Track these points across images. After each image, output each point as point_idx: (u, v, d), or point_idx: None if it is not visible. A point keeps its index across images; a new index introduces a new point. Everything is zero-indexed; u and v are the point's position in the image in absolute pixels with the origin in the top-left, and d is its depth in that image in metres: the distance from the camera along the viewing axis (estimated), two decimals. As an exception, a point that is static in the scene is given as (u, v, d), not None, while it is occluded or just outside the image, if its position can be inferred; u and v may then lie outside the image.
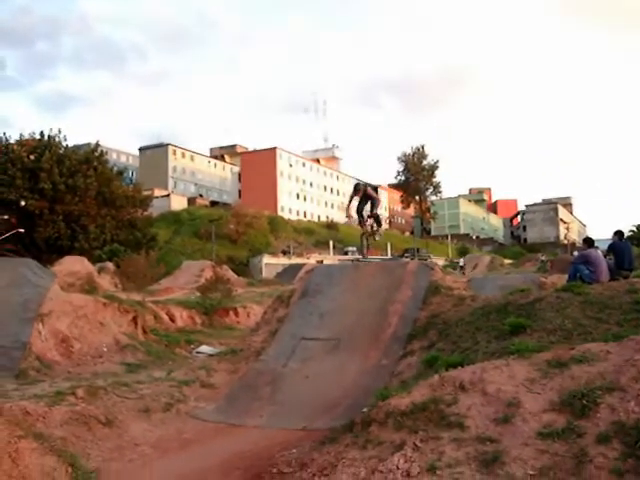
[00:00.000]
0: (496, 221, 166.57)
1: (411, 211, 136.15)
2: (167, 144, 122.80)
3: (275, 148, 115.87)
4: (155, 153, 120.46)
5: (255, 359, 13.82)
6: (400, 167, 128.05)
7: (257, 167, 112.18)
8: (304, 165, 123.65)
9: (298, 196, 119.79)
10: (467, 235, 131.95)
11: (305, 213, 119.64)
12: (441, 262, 70.27)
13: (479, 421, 6.33)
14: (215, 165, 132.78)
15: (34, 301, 17.05)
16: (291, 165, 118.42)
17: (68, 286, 27.75)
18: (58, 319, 17.11)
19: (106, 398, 11.05)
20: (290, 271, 62.38)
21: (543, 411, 6.13)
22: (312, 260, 73.05)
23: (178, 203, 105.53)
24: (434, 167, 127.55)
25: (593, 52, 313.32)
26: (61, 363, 16.05)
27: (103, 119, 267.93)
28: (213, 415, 11.32)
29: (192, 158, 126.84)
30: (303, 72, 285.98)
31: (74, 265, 42.38)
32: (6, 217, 53.99)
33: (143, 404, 11.07)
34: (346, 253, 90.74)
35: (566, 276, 15.04)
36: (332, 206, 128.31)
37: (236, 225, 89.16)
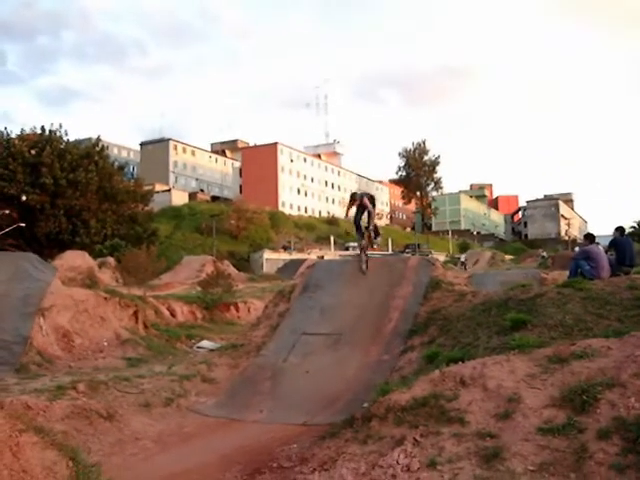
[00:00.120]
0: (497, 217, 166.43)
1: (412, 206, 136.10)
2: (168, 139, 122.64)
3: (276, 143, 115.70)
4: (156, 148, 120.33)
5: (256, 354, 13.83)
6: (401, 162, 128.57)
7: (258, 162, 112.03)
8: (305, 160, 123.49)
9: (299, 191, 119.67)
10: (468, 231, 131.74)
11: (306, 208, 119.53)
12: (442, 258, 70.20)
13: (479, 416, 6.34)
14: (216, 160, 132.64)
15: (35, 295, 17.08)
16: (292, 160, 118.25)
17: (69, 281, 27.78)
18: (59, 313, 17.14)
19: (107, 392, 11.08)
20: (291, 266, 62.35)
21: (543, 407, 6.13)
22: (313, 255, 73.03)
23: (179, 198, 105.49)
24: (435, 163, 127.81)
25: (595, 49, 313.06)
26: (62, 357, 16.08)
27: (104, 114, 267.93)
28: (214, 410, 11.33)
29: (193, 153, 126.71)
30: (304, 67, 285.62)
31: (75, 260, 42.39)
32: (7, 212, 53.94)
33: (144, 398, 11.08)
34: (347, 249, 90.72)
35: (567, 272, 15.03)
36: (333, 201, 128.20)
37: (237, 220, 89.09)
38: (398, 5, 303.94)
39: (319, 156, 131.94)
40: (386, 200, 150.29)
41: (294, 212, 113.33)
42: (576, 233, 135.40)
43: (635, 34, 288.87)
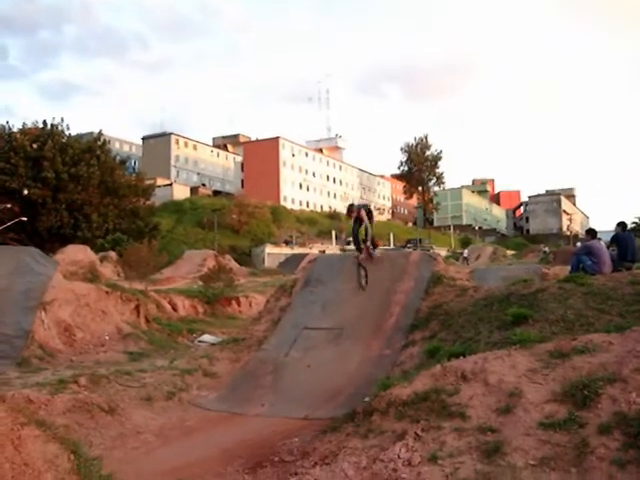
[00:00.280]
0: (499, 212, 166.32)
1: (414, 201, 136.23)
2: (170, 133, 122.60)
3: (278, 138, 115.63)
4: (158, 142, 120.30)
5: (257, 348, 13.84)
6: (403, 157, 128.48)
7: (260, 157, 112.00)
8: (307, 155, 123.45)
9: (301, 186, 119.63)
10: (470, 226, 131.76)
11: (308, 203, 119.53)
12: (443, 253, 70.22)
13: (481, 411, 6.34)
14: (218, 154, 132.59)
15: (37, 289, 17.09)
16: (294, 155, 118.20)
17: (71, 275, 27.79)
18: (60, 307, 17.15)
19: (109, 386, 11.09)
20: (292, 261, 62.41)
21: (545, 401, 6.13)
22: (314, 250, 73.09)
23: (181, 192, 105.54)
24: (437, 157, 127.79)
25: (596, 44, 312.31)
26: (63, 351, 16.09)
27: (106, 108, 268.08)
28: (215, 404, 11.34)
29: (195, 147, 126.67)
30: (306, 61, 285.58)
31: (77, 254, 42.42)
32: (9, 206, 53.95)
33: (145, 392, 11.10)
34: (348, 243, 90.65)
35: (569, 267, 15.02)
36: (335, 196, 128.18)
37: (238, 215, 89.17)
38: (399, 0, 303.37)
39: (321, 151, 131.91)
40: (388, 195, 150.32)
41: (296, 207, 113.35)
42: (578, 228, 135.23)
43: (637, 31, 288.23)
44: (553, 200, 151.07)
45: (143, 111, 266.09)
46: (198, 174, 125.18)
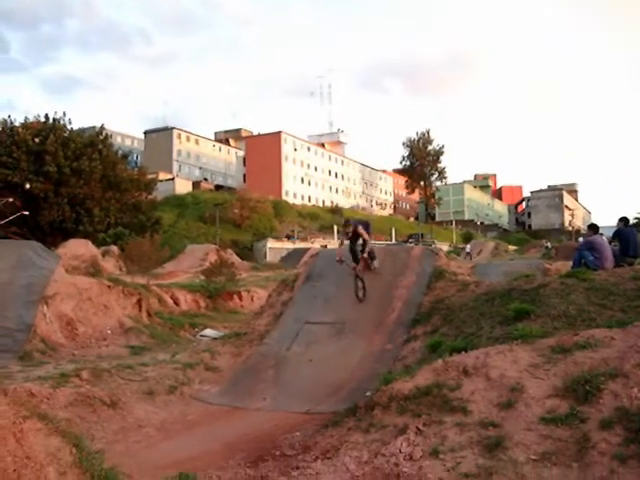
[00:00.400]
0: (501, 207, 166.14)
1: (416, 196, 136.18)
2: (172, 128, 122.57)
3: (280, 132, 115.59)
4: (160, 137, 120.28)
5: (259, 342, 13.84)
6: (405, 152, 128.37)
7: (262, 151, 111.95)
8: (309, 149, 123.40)
9: (303, 180, 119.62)
10: (471, 221, 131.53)
11: (310, 197, 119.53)
12: (445, 248, 70.10)
13: (482, 406, 6.35)
14: (220, 149, 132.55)
15: (39, 283, 17.10)
16: (296, 149, 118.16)
17: (73, 269, 27.79)
18: (62, 302, 17.17)
19: (110, 380, 11.10)
20: (294, 255, 62.46)
21: (546, 396, 6.14)
22: (316, 245, 73.06)
23: (183, 187, 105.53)
24: (439, 152, 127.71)
25: (599, 39, 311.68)
26: (65, 345, 16.12)
27: (108, 102, 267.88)
28: (217, 398, 11.36)
29: (197, 142, 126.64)
30: (308, 56, 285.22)
31: (78, 248, 42.47)
32: (11, 200, 54.02)
33: (147, 386, 11.11)
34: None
35: (570, 263, 15.00)
36: (337, 191, 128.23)
37: (240, 209, 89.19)
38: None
39: (323, 145, 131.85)
40: (390, 190, 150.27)
41: (298, 201, 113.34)
42: (580, 224, 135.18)
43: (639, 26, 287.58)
44: (555, 195, 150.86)
45: (145, 105, 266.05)
46: (200, 168, 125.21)
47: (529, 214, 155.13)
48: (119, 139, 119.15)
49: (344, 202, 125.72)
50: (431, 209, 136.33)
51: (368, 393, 8.11)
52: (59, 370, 11.77)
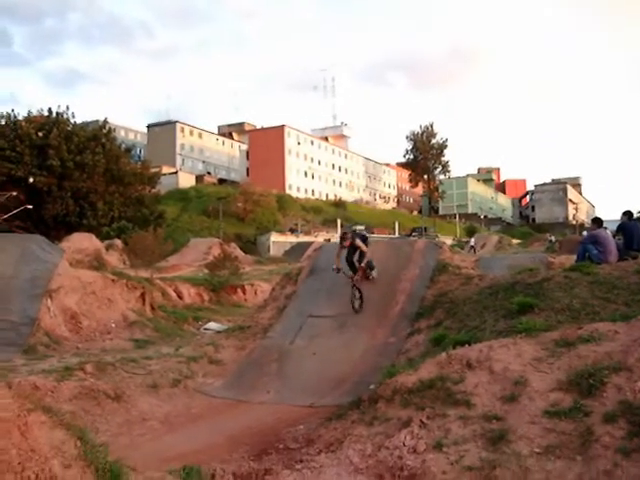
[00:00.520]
0: (504, 201, 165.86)
1: (419, 190, 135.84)
2: (175, 121, 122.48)
3: (283, 126, 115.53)
4: (163, 130, 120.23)
5: (263, 336, 13.86)
6: (409, 145, 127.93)
7: (265, 145, 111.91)
8: (312, 143, 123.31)
9: (306, 174, 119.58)
10: (475, 215, 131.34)
11: (313, 191, 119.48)
12: (449, 241, 70.05)
13: (486, 399, 6.35)
14: (223, 143, 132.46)
15: (43, 277, 17.13)
16: (299, 143, 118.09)
17: (76, 263, 27.82)
18: (67, 295, 17.20)
19: (114, 373, 11.13)
20: (298, 249, 62.45)
21: (550, 390, 6.14)
22: (320, 238, 73.02)
23: (186, 180, 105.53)
24: (443, 146, 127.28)
25: (603, 32, 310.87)
26: (70, 339, 16.16)
27: (111, 96, 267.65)
28: (221, 391, 11.38)
29: (200, 136, 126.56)
30: (311, 49, 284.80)
31: (82, 242, 42.53)
32: (14, 194, 54.00)
33: (151, 380, 11.13)
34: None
35: (574, 257, 14.98)
36: (340, 184, 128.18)
37: (244, 203, 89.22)
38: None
39: (326, 139, 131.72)
40: (393, 183, 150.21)
41: (301, 195, 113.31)
42: (584, 217, 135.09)
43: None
44: (559, 189, 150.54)
45: (148, 99, 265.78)
46: (203, 162, 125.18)
47: (533, 208, 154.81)
48: (122, 133, 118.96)
49: (347, 196, 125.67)
50: (434, 203, 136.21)
51: (372, 386, 8.11)
52: (63, 363, 11.80)
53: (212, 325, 20.48)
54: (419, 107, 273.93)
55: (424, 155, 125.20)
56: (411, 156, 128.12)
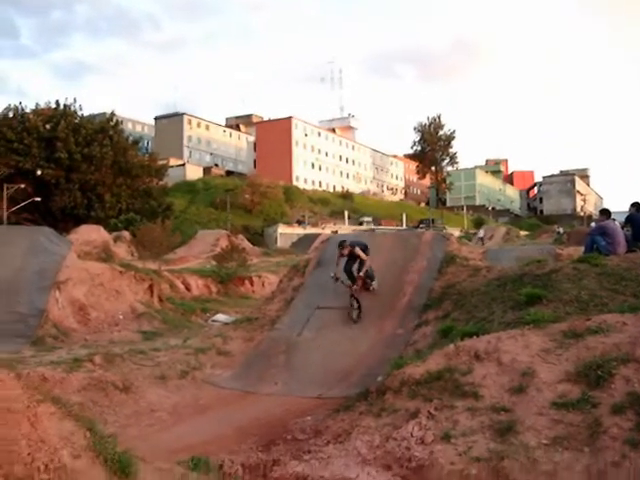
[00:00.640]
0: (512, 192, 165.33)
1: (427, 181, 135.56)
2: (182, 113, 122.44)
3: (291, 117, 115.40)
4: (170, 122, 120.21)
5: (270, 328, 13.88)
6: (416, 137, 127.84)
7: (272, 137, 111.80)
8: (319, 135, 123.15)
9: (313, 166, 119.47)
10: (483, 206, 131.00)
11: (320, 183, 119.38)
12: (456, 233, 69.90)
13: (494, 390, 6.36)
14: (230, 135, 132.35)
15: (51, 269, 17.19)
16: (306, 135, 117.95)
17: (84, 254, 27.89)
18: (75, 287, 17.25)
19: (123, 365, 11.17)
20: (305, 241, 62.49)
21: (558, 381, 6.14)
22: (327, 230, 73.05)
23: (193, 172, 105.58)
24: (450, 137, 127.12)
25: (611, 22, 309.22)
26: (78, 330, 16.21)
27: (118, 88, 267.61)
28: (229, 382, 11.40)
29: (207, 127, 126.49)
30: (319, 41, 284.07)
31: (90, 234, 42.67)
32: (22, 186, 54.20)
33: (159, 371, 11.17)
34: (361, 223, 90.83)
35: (582, 248, 14.93)
36: (347, 176, 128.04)
37: (251, 195, 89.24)
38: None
39: (333, 130, 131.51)
40: (401, 175, 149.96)
41: (308, 186, 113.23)
42: (592, 209, 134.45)
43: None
44: (567, 180, 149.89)
45: (156, 91, 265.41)
46: (211, 154, 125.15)
47: (541, 199, 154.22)
48: (130, 125, 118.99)
49: (355, 187, 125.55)
50: (442, 194, 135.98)
51: (379, 378, 8.12)
52: (72, 355, 11.85)
53: (220, 317, 20.51)
54: (426, 99, 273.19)
55: (432, 147, 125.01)
56: (418, 148, 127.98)
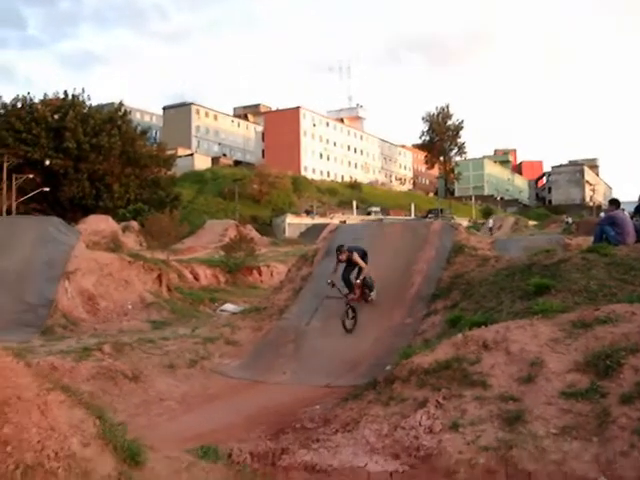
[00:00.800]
0: (521, 182, 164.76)
1: (435, 172, 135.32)
2: (190, 103, 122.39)
3: (299, 107, 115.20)
4: (179, 112, 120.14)
5: (279, 317, 13.90)
6: (425, 127, 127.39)
7: (280, 126, 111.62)
8: (328, 125, 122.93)
9: (321, 156, 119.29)
10: (491, 196, 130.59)
11: (328, 173, 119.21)
12: (465, 223, 69.75)
13: (502, 380, 6.35)
14: (238, 124, 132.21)
15: (60, 259, 17.25)
16: (315, 125, 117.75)
17: (93, 244, 28.04)
18: (84, 277, 17.31)
19: (132, 354, 11.22)
20: (313, 231, 62.55)
21: (567, 371, 6.13)
22: (335, 220, 72.99)
23: (202, 162, 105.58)
24: (459, 127, 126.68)
25: (620, 10, 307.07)
26: (87, 320, 16.28)
27: (126, 78, 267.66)
28: (237, 371, 11.44)
29: (215, 117, 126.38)
30: (327, 31, 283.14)
31: (99, 224, 42.80)
32: (31, 176, 54.29)
33: (168, 360, 11.21)
34: (369, 213, 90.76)
35: (591, 238, 14.88)
36: (355, 166, 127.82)
37: (259, 185, 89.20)
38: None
39: (342, 120, 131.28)
40: (409, 165, 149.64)
41: (316, 176, 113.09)
42: (601, 199, 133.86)
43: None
44: (576, 170, 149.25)
45: (163, 81, 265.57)
46: (219, 144, 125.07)
47: (549, 189, 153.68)
48: (138, 115, 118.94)
49: (363, 177, 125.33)
50: (450, 184, 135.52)
51: (388, 367, 8.13)
52: (81, 344, 11.90)
53: (228, 306, 20.56)
54: (435, 88, 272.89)
55: (440, 137, 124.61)
56: (427, 138, 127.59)
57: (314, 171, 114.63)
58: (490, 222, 71.83)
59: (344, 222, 62.79)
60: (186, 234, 43.65)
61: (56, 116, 64.11)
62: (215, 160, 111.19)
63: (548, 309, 7.87)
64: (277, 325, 13.50)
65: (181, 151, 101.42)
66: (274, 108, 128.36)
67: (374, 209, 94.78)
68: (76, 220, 44.70)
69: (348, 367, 10.82)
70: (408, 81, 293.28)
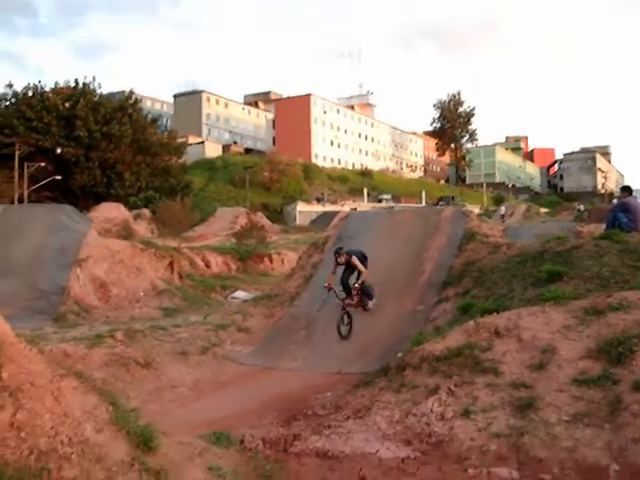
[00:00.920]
0: (532, 170, 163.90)
1: (446, 159, 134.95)
2: (201, 91, 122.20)
3: (309, 95, 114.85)
4: (189, 100, 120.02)
5: (290, 304, 13.93)
6: (436, 114, 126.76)
7: (291, 114, 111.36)
8: (338, 112, 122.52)
9: (332, 143, 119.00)
10: (503, 184, 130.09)
11: (339, 160, 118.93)
12: (476, 210, 69.51)
13: (514, 367, 6.35)
14: (249, 112, 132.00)
15: (72, 246, 17.33)
16: (325, 112, 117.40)
17: (105, 232, 28.12)
18: (95, 264, 17.38)
19: (144, 341, 11.27)
20: (324, 218, 62.40)
21: (579, 358, 6.12)
22: (346, 207, 72.86)
23: (212, 150, 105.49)
24: (470, 114, 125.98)
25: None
26: (99, 307, 16.36)
27: (137, 66, 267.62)
28: (249, 358, 11.48)
29: (226, 105, 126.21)
30: (338, 17, 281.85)
31: (110, 211, 42.89)
32: (43, 164, 54.38)
33: (180, 347, 11.26)
34: (380, 201, 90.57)
35: (603, 225, 14.81)
36: (366, 153, 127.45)
37: (270, 172, 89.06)
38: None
39: (352, 107, 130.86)
40: (420, 152, 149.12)
41: (327, 164, 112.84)
42: (613, 186, 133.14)
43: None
44: (588, 158, 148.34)
45: (174, 69, 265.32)
46: (230, 132, 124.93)
47: (561, 177, 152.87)
48: (149, 103, 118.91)
49: (374, 164, 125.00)
50: (462, 172, 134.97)
51: (399, 354, 8.13)
52: (93, 331, 11.97)
53: (240, 294, 20.61)
54: (446, 75, 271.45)
55: (451, 124, 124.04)
56: (438, 124, 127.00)
57: (325, 159, 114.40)
58: (502, 209, 71.61)
59: (355, 209, 62.65)
60: (197, 222, 43.78)
61: (67, 104, 64.08)
62: (226, 148, 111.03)
63: (560, 296, 7.85)
64: (288, 312, 13.53)
65: (192, 139, 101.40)
66: (285, 95, 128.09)
67: (385, 196, 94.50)
68: (88, 208, 44.82)
69: (359, 354, 10.84)
70: (419, 68, 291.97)
